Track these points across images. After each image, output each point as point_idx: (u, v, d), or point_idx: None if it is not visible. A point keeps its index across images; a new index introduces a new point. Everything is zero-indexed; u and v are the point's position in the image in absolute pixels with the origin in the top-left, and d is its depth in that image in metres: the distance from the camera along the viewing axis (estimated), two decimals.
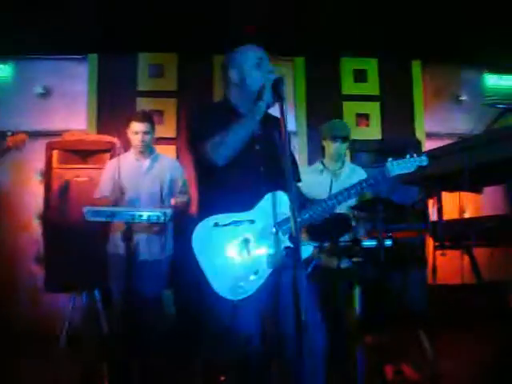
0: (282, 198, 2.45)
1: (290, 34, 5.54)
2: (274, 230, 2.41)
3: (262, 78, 2.46)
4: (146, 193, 4.19)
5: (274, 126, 2.53)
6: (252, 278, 2.37)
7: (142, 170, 4.25)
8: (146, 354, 3.91)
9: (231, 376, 2.56)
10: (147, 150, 4.26)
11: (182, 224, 4.36)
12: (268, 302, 2.45)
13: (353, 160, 5.38)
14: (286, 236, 2.41)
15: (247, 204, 2.44)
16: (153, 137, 4.29)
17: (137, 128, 4.15)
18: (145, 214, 3.65)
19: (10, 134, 4.14)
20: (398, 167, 2.60)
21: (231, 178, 2.46)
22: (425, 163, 2.64)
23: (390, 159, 2.62)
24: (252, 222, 2.42)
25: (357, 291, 3.56)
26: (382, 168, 2.59)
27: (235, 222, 2.40)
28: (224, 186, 2.49)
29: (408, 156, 2.64)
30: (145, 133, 4.16)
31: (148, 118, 4.24)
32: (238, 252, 2.39)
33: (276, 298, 2.42)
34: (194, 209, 4.33)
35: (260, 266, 2.38)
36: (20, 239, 5.56)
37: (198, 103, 2.88)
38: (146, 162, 4.28)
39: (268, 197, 2.46)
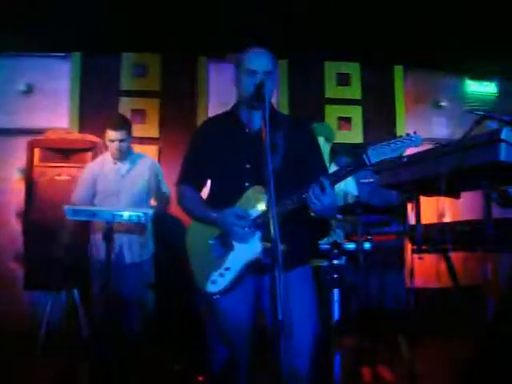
0: (261, 192, 2.38)
1: (275, 37, 5.57)
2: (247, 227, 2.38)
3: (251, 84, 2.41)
4: (127, 195, 4.17)
5: (277, 124, 2.50)
6: (224, 273, 2.39)
7: (120, 174, 4.22)
8: (125, 355, 3.91)
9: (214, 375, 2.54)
10: (124, 155, 4.22)
11: (161, 224, 4.37)
12: (250, 302, 2.47)
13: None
14: (260, 231, 2.36)
15: (230, 201, 2.44)
16: (129, 142, 4.22)
17: (112, 136, 4.10)
18: (125, 214, 3.64)
19: None
20: (380, 151, 2.29)
21: (219, 175, 2.58)
22: (417, 143, 2.27)
23: (371, 145, 2.34)
24: None
25: (335, 293, 3.58)
26: (363, 153, 2.31)
27: None
28: (212, 184, 2.64)
29: (393, 140, 2.32)
30: (121, 141, 4.11)
31: (123, 125, 4.16)
32: (214, 247, 2.45)
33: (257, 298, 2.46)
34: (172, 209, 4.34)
35: (232, 262, 2.39)
36: None
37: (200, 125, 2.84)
38: (125, 166, 4.24)
39: (248, 193, 2.43)
